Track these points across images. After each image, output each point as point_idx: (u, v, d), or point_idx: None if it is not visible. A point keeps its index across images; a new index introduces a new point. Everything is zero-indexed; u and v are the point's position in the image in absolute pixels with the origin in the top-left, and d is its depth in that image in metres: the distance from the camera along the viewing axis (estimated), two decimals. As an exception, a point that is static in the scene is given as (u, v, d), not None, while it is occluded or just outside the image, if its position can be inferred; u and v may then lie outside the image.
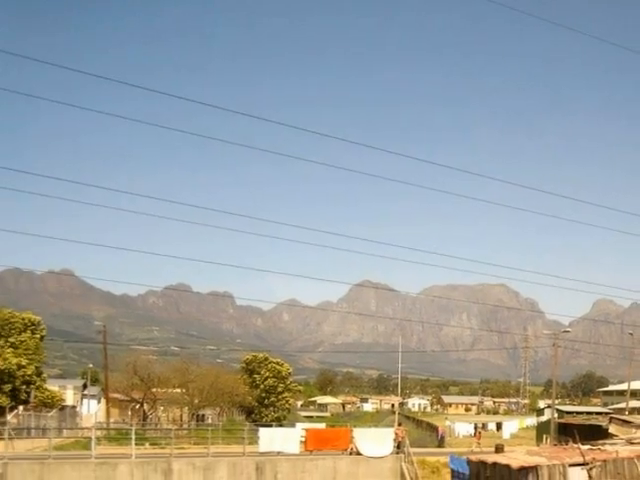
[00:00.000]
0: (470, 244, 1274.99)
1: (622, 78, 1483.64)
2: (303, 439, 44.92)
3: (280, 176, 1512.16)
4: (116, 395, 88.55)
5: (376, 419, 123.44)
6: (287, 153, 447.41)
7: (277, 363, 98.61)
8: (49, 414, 74.19)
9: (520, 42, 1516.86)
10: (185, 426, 78.97)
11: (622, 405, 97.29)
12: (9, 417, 64.23)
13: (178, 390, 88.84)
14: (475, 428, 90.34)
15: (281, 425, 70.51)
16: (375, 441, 44.09)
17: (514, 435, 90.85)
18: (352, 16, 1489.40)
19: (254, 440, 45.32)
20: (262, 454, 42.24)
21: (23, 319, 75.56)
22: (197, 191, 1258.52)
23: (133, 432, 45.82)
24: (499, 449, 48.19)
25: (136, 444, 43.53)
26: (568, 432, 48.38)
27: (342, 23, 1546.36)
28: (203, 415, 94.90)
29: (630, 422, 50.82)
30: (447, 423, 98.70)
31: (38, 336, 76.87)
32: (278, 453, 42.34)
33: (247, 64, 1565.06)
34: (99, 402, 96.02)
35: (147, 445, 51.76)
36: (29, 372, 72.04)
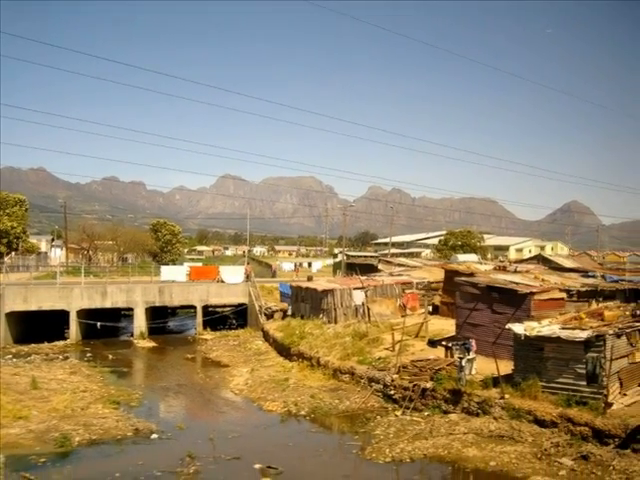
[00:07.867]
0: (294, 151, 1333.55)
1: (391, 47, 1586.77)
2: (188, 273, 45.61)
3: (177, 110, 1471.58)
4: (72, 245, 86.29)
5: (233, 260, 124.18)
6: (189, 97, 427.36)
7: (172, 226, 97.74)
8: (30, 257, 74.10)
9: (336, 33, 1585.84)
10: (115, 265, 78.58)
11: (386, 252, 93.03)
12: (5, 259, 63.47)
13: (110, 242, 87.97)
14: (295, 266, 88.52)
15: (174, 264, 71.23)
16: (233, 274, 44.68)
17: (319, 270, 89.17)
18: (248, 7, 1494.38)
19: (158, 273, 45.81)
20: (163, 282, 42.59)
21: (14, 198, 75.78)
22: (126, 118, 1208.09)
23: (82, 269, 46.29)
24: (310, 279, 48.96)
25: (85, 276, 43.69)
26: (352, 268, 48.44)
27: (240, 10, 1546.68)
28: (126, 258, 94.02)
29: (391, 262, 51.99)
30: (277, 263, 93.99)
31: (24, 209, 77.15)
32: (173, 281, 42.71)
33: (175, 40, 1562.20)
34: (62, 250, 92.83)
35: (91, 277, 51.38)
36: (18, 231, 73.37)
